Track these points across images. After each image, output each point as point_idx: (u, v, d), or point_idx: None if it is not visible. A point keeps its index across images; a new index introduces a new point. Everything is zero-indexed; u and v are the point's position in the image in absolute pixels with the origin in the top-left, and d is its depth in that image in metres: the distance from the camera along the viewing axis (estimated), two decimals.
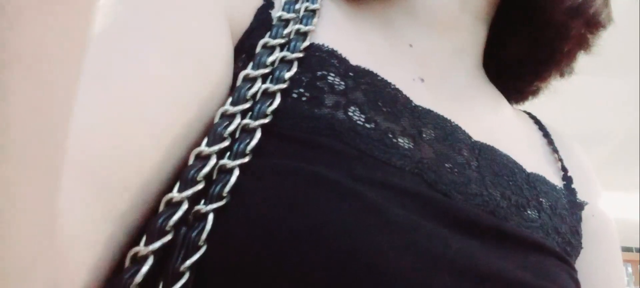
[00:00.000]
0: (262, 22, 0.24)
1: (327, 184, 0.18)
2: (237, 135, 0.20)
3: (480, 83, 0.33)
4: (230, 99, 0.21)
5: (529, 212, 0.25)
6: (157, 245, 0.17)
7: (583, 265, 0.29)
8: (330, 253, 0.17)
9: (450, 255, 0.19)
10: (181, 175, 0.18)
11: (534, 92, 0.38)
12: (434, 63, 0.30)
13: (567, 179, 0.32)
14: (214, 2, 0.23)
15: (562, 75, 0.35)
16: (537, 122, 0.37)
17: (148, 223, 0.17)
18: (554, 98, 0.38)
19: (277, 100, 0.21)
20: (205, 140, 0.19)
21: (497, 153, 0.27)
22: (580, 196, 0.31)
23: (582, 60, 0.35)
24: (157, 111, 0.18)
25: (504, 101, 0.35)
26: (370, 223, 0.18)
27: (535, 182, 0.28)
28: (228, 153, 0.19)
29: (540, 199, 0.27)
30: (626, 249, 3.89)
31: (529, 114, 0.38)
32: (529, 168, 0.28)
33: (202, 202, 0.18)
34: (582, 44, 0.33)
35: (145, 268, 0.16)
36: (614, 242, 0.32)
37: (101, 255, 0.16)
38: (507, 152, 0.28)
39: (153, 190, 0.18)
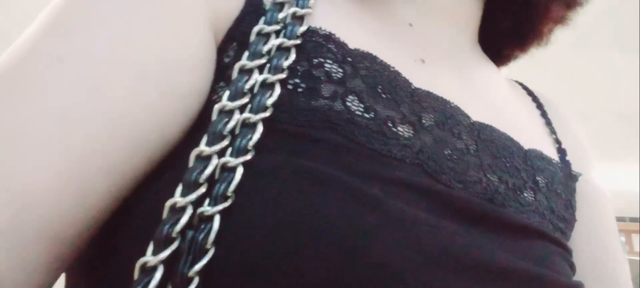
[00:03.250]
0: (253, 7, 0.23)
1: (329, 182, 0.18)
2: (237, 131, 0.20)
3: (478, 60, 0.34)
4: (227, 93, 0.20)
5: (525, 194, 0.26)
6: (166, 253, 0.16)
7: (580, 234, 0.30)
8: (336, 252, 0.17)
9: (454, 250, 0.19)
10: (183, 178, 0.18)
11: (515, 57, 0.40)
12: (434, 43, 0.30)
13: (562, 151, 0.33)
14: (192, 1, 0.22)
15: (539, 45, 0.38)
16: (531, 93, 0.38)
17: (154, 232, 0.17)
18: (546, 70, 0.40)
19: (277, 91, 0.21)
20: (204, 140, 0.19)
21: (496, 133, 0.27)
22: (574, 167, 0.32)
23: (588, 35, 0.37)
24: (109, 149, 0.18)
25: (500, 75, 0.36)
26: (373, 220, 0.18)
27: (532, 158, 0.28)
28: (229, 150, 0.19)
29: (537, 178, 0.28)
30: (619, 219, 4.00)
31: (521, 84, 0.39)
32: (527, 144, 0.29)
33: (206, 203, 0.18)
34: (561, 21, 0.36)
35: (157, 278, 0.16)
36: (608, 209, 0.33)
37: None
38: (505, 129, 0.28)
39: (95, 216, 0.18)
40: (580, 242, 0.29)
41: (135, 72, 0.19)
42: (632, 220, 4.19)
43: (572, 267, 0.26)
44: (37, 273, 0.17)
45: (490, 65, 0.35)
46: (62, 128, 0.17)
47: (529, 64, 0.41)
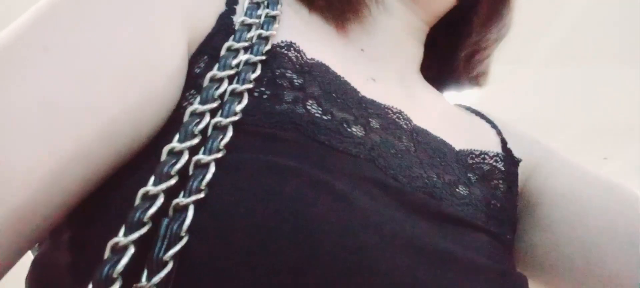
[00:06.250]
0: (224, 26, 0.26)
1: (295, 174, 0.21)
2: (209, 133, 0.22)
3: (422, 83, 0.39)
4: (198, 98, 0.22)
5: (459, 189, 0.29)
6: (135, 235, 0.18)
7: (550, 197, 0.31)
8: (304, 235, 0.19)
9: (407, 235, 0.22)
10: (155, 170, 0.20)
11: (477, 79, 0.43)
12: (384, 67, 0.34)
13: (503, 141, 0.36)
14: (172, 11, 0.24)
15: (478, 84, 0.43)
16: (479, 113, 0.42)
17: (126, 215, 0.18)
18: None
19: (245, 99, 0.23)
20: (176, 137, 0.21)
21: (430, 136, 0.31)
22: (517, 153, 0.34)
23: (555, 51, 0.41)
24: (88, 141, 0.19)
25: (440, 96, 0.41)
26: (339, 209, 0.20)
27: (464, 157, 0.32)
28: (203, 149, 0.21)
29: (469, 175, 0.31)
30: None
31: (464, 106, 0.43)
32: (459, 146, 0.32)
33: (181, 194, 0.19)
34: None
35: (126, 258, 0.17)
36: (563, 160, 0.34)
37: None
38: (439, 134, 0.32)
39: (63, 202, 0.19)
40: (557, 208, 0.30)
41: (118, 71, 0.20)
42: None
43: (506, 252, 0.28)
44: (2, 249, 0.17)
45: (432, 88, 0.40)
46: (41, 113, 0.18)
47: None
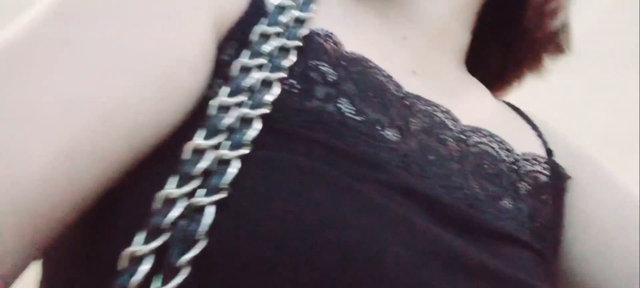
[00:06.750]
0: (256, 9, 0.24)
1: (322, 179, 0.19)
2: (235, 126, 0.20)
3: (466, 77, 0.36)
4: (229, 90, 0.21)
5: (504, 201, 0.26)
6: (155, 244, 0.17)
7: (588, 210, 0.30)
8: (328, 247, 0.17)
9: (440, 248, 0.20)
10: (178, 169, 0.18)
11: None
12: (425, 58, 0.31)
13: (548, 151, 0.33)
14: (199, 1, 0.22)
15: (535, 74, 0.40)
16: (517, 110, 0.39)
17: (144, 222, 0.17)
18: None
19: (276, 90, 0.21)
20: (202, 134, 0.19)
21: (480, 139, 0.28)
22: (562, 162, 0.32)
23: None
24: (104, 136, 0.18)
25: (487, 92, 0.37)
26: (369, 217, 0.19)
27: (517, 162, 0.29)
28: (227, 144, 0.19)
29: (519, 185, 0.28)
30: None
31: (508, 103, 0.40)
32: (515, 149, 0.29)
33: (200, 194, 0.18)
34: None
35: (146, 267, 0.16)
36: (604, 172, 0.33)
37: None
38: (490, 135, 0.29)
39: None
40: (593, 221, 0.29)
41: (140, 65, 0.19)
42: None
43: (547, 274, 0.26)
44: (11, 254, 0.16)
45: (477, 82, 0.37)
46: (60, 111, 0.17)
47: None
